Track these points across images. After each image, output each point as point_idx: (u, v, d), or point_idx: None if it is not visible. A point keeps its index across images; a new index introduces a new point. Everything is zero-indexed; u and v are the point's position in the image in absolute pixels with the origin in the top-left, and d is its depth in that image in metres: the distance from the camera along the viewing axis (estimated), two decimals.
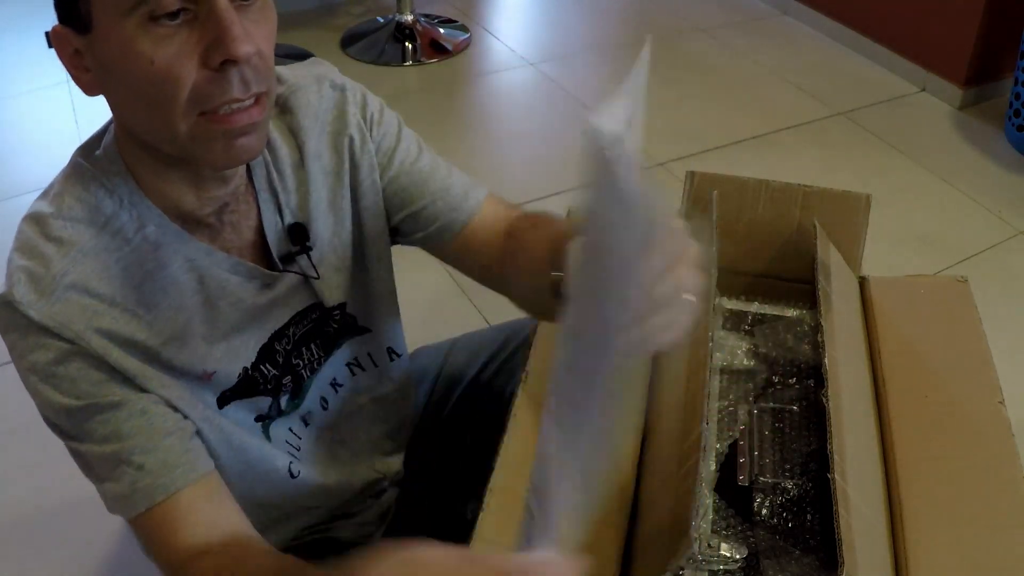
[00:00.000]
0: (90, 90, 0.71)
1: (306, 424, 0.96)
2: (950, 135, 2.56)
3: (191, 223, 0.78)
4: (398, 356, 1.03)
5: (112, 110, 0.74)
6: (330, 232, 0.89)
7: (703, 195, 1.12)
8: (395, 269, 0.99)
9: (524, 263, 0.87)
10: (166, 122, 0.68)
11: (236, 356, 0.84)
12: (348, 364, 0.98)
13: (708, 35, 3.10)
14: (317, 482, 0.96)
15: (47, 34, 0.71)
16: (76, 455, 0.78)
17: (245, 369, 0.85)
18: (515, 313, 1.23)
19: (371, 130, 0.90)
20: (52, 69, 2.78)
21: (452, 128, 2.60)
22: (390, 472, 1.07)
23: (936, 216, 2.23)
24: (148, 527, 0.76)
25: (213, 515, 0.78)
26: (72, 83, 2.45)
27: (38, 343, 0.73)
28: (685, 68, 2.90)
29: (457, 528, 0.98)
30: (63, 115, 2.56)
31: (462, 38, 3.04)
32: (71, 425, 0.75)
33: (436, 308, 1.89)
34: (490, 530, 0.78)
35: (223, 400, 0.85)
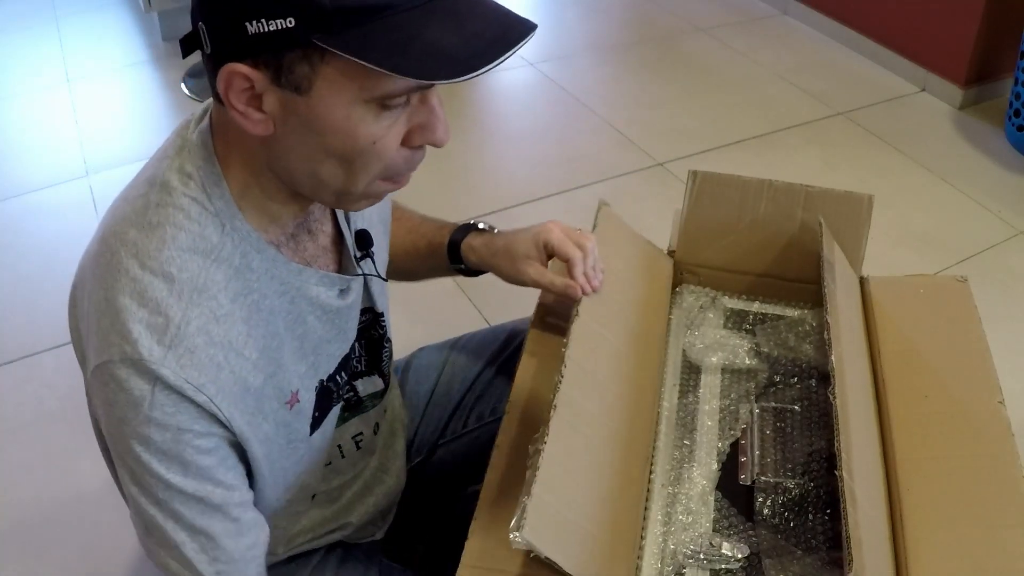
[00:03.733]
0: (255, 128, 0.67)
1: (358, 447, 0.98)
2: (950, 135, 2.56)
3: (278, 238, 0.77)
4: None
5: (266, 146, 0.70)
6: (378, 240, 0.91)
7: (705, 195, 1.12)
8: None
9: (393, 252, 1.03)
10: (350, 182, 0.71)
11: (316, 371, 0.83)
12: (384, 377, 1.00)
13: (708, 35, 3.10)
14: (345, 477, 0.98)
15: (181, 42, 0.69)
16: (142, 512, 0.74)
17: (321, 381, 0.85)
18: (515, 313, 1.23)
19: None
20: (52, 69, 2.78)
21: (452, 128, 2.59)
22: (395, 470, 1.08)
23: (936, 216, 2.23)
24: None
25: None
26: (72, 83, 2.42)
27: (157, 419, 0.68)
28: (685, 68, 2.90)
29: (457, 527, 0.98)
30: (63, 115, 2.56)
31: None
32: (162, 496, 0.72)
33: (436, 308, 1.89)
34: (481, 540, 0.78)
35: (314, 426, 0.85)
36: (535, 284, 0.96)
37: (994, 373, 0.94)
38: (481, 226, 1.03)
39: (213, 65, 0.66)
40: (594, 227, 1.01)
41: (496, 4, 0.68)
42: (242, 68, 0.64)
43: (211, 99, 0.74)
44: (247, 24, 0.62)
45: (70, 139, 2.45)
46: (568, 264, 0.94)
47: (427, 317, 1.86)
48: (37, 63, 2.83)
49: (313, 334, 0.81)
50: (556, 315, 1.01)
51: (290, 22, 0.61)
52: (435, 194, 2.12)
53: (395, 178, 0.73)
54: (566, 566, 0.71)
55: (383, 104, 0.65)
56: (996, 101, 2.68)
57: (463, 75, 0.62)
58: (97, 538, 1.46)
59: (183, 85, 2.66)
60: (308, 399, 0.83)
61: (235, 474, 0.76)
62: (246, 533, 0.78)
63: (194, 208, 0.71)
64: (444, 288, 1.93)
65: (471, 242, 1.00)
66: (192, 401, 0.69)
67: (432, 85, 0.68)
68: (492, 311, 1.87)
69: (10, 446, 1.60)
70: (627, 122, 2.60)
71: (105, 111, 2.58)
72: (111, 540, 1.45)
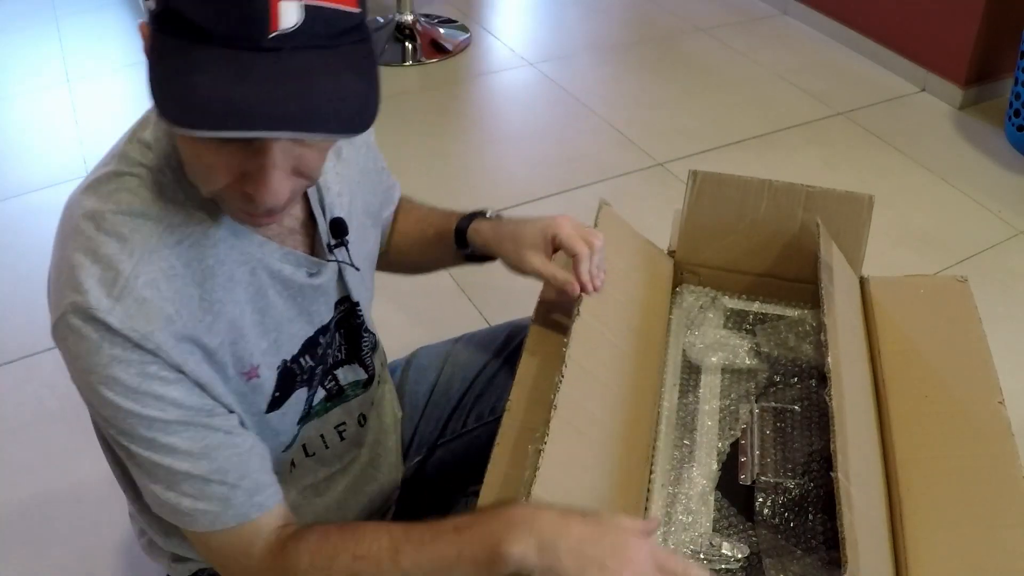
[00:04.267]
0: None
1: (342, 437, 0.99)
2: (950, 135, 2.56)
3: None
4: (385, 355, 1.07)
5: None
6: (359, 232, 0.91)
7: (705, 195, 1.12)
8: None
9: (402, 243, 1.08)
10: (202, 185, 0.71)
11: (279, 349, 0.84)
12: (369, 371, 1.00)
13: (708, 35, 3.10)
14: (332, 469, 0.99)
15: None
16: (140, 460, 0.74)
17: (284, 361, 0.86)
18: (515, 313, 1.23)
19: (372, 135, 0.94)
20: (52, 69, 2.78)
21: (452, 128, 2.60)
22: (387, 467, 1.08)
23: (936, 216, 2.23)
24: (232, 539, 0.77)
25: (295, 523, 0.80)
26: (72, 83, 2.42)
27: (118, 357, 0.70)
28: (685, 68, 2.90)
29: None
30: (63, 115, 2.56)
31: (462, 38, 3.04)
32: (150, 434, 0.73)
33: (436, 308, 1.89)
34: None
35: (272, 406, 0.86)
36: (536, 274, 0.96)
37: (994, 373, 0.94)
38: (488, 214, 1.03)
39: None
40: (595, 227, 1.01)
41: (330, 91, 0.61)
42: (145, 28, 0.65)
43: None
44: None
45: (70, 139, 2.45)
46: (574, 260, 0.93)
47: (427, 317, 1.86)
48: (37, 63, 2.83)
49: (274, 310, 0.82)
50: (558, 311, 1.01)
51: (155, 4, 0.62)
52: (435, 194, 2.11)
53: (252, 213, 0.71)
54: None
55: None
56: (996, 101, 2.68)
57: (191, 129, 0.58)
58: (97, 538, 1.46)
59: None
60: (269, 377, 0.84)
61: (210, 400, 0.76)
62: (246, 440, 0.78)
63: (149, 176, 0.73)
64: (444, 288, 1.93)
65: (478, 227, 1.01)
66: (142, 347, 0.70)
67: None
68: (492, 311, 1.87)
69: (10, 446, 1.60)
70: (627, 122, 2.60)
71: (105, 111, 2.58)
72: (111, 540, 1.45)
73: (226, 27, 0.59)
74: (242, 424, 0.81)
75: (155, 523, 0.92)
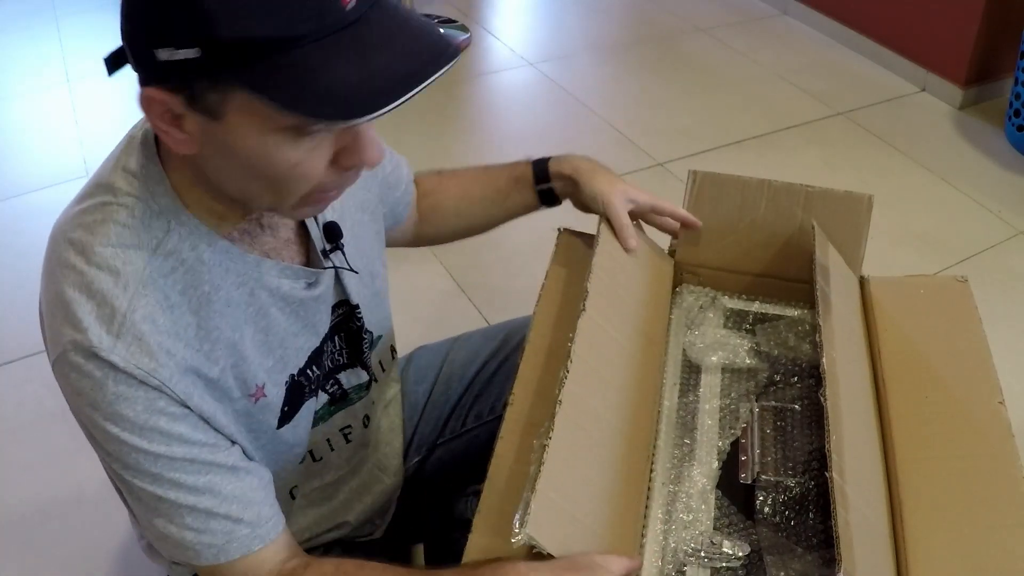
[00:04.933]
0: (179, 147, 0.67)
1: (347, 440, 0.98)
2: (950, 135, 2.56)
3: (231, 233, 0.77)
4: (396, 353, 1.06)
5: (195, 162, 0.70)
6: (353, 231, 0.91)
7: (705, 194, 1.12)
8: (395, 269, 0.99)
9: (439, 218, 1.11)
10: (279, 200, 0.70)
11: (286, 365, 0.84)
12: (370, 372, 1.00)
13: (708, 35, 3.10)
14: (340, 472, 0.99)
15: (106, 60, 0.69)
16: (142, 496, 0.74)
17: (292, 376, 0.85)
18: (515, 313, 1.23)
19: None
20: (52, 69, 2.78)
21: (452, 128, 2.60)
22: (393, 469, 1.08)
23: (936, 216, 2.23)
24: (236, 571, 0.77)
25: (301, 554, 0.81)
26: (72, 83, 2.42)
27: (123, 394, 0.69)
28: (685, 68, 2.90)
29: (456, 526, 0.98)
30: (63, 115, 2.56)
31: (462, 38, 3.04)
32: (155, 470, 0.72)
33: (436, 308, 1.89)
34: (484, 536, 0.78)
35: (282, 421, 0.86)
36: (612, 208, 1.00)
37: (994, 373, 0.94)
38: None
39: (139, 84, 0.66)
40: (597, 229, 1.02)
41: (416, 28, 0.65)
42: (157, 93, 0.64)
43: None
44: (156, 52, 0.61)
45: (70, 139, 2.45)
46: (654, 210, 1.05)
47: (427, 317, 1.86)
48: (37, 63, 2.83)
49: (277, 327, 0.81)
50: (567, 303, 1.01)
51: (195, 52, 0.60)
52: None
53: (326, 194, 0.72)
54: None
55: (300, 131, 0.64)
56: (996, 101, 2.68)
57: (362, 116, 0.60)
58: (97, 538, 1.46)
59: None
60: (276, 394, 0.83)
61: (214, 433, 0.76)
62: (249, 474, 0.78)
63: (138, 207, 0.72)
64: (444, 288, 1.93)
65: (558, 159, 1.05)
66: (147, 384, 0.70)
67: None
68: (492, 311, 1.87)
69: (10, 446, 1.60)
70: (627, 122, 2.60)
71: (105, 111, 2.58)
72: (111, 540, 1.45)
73: (308, 23, 0.59)
74: (245, 455, 0.80)
75: None
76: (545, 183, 1.05)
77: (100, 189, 0.74)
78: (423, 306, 1.88)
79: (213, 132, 0.65)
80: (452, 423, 1.14)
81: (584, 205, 1.05)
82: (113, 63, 0.69)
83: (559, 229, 1.11)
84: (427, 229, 1.12)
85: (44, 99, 2.65)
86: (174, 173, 0.73)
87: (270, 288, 0.79)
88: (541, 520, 0.70)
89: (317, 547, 1.00)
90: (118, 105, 2.61)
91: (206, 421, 0.75)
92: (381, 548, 1.07)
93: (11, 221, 2.16)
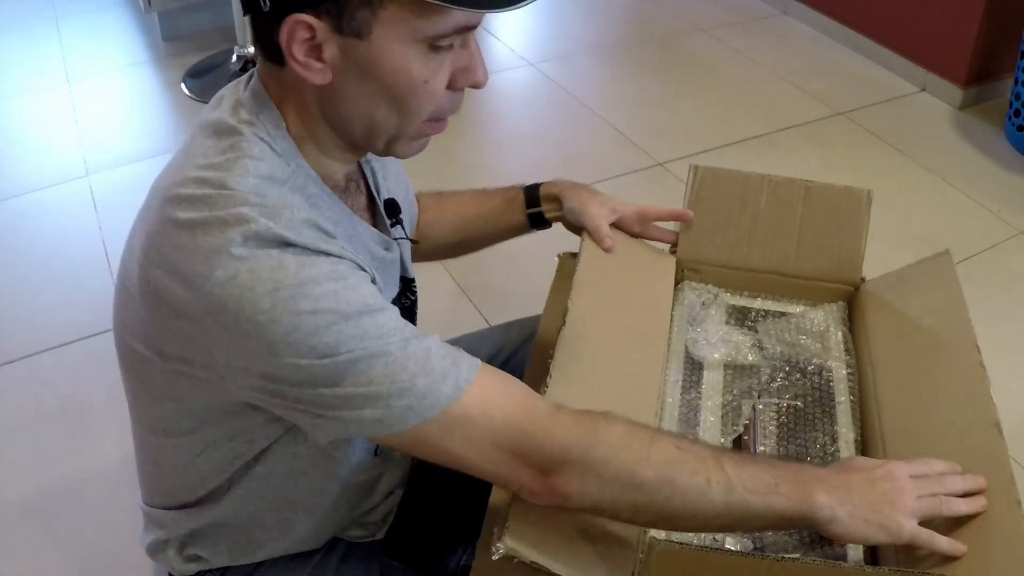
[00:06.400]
0: (314, 77, 0.71)
1: None
2: (950, 135, 2.56)
3: (333, 188, 0.81)
4: None
5: (323, 96, 0.74)
6: (404, 209, 0.96)
7: (706, 189, 1.12)
8: None
9: (435, 232, 1.14)
10: (404, 122, 0.76)
11: None
12: None
13: (708, 35, 3.10)
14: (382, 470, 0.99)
15: (244, 2, 0.72)
16: (352, 374, 0.68)
17: None
18: (515, 313, 1.23)
19: None
20: (52, 69, 2.78)
21: (452, 127, 2.59)
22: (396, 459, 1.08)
23: (936, 216, 2.23)
24: (460, 414, 0.71)
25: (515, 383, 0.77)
26: (72, 83, 2.42)
27: (306, 262, 0.68)
28: (685, 68, 2.90)
29: (456, 526, 0.98)
30: (63, 115, 2.56)
31: None
32: (359, 329, 0.68)
33: (436, 308, 1.89)
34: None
35: None
36: (588, 215, 1.06)
37: (986, 380, 0.89)
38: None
39: (274, 18, 0.69)
40: (580, 244, 1.03)
41: None
42: (306, 18, 0.68)
43: (247, 75, 0.79)
44: None
45: (70, 139, 2.45)
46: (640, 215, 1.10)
47: (427, 317, 1.85)
48: (37, 63, 2.83)
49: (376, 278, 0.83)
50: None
51: None
52: None
53: (440, 119, 0.78)
54: (560, 569, 0.71)
55: (433, 46, 0.71)
56: (996, 101, 2.68)
57: (513, 6, 0.68)
58: (97, 538, 1.46)
59: (183, 85, 2.66)
60: None
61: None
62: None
63: (263, 146, 0.74)
64: (444, 288, 1.92)
65: (548, 184, 1.11)
66: (326, 253, 0.70)
67: (477, 24, 0.73)
68: (492, 311, 1.86)
69: (10, 446, 1.60)
70: (627, 122, 2.60)
71: (105, 111, 2.58)
72: (111, 540, 1.45)
73: None
74: None
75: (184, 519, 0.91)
76: (535, 207, 1.10)
77: (222, 133, 0.74)
78: (423, 306, 1.87)
79: (355, 54, 0.70)
80: None
81: (569, 223, 1.10)
82: (248, 3, 0.72)
83: (559, 255, 1.13)
84: (424, 244, 1.14)
85: (44, 99, 2.65)
86: (289, 121, 0.77)
87: (363, 242, 0.83)
88: (521, 530, 0.70)
89: (318, 547, 1.00)
90: (118, 105, 2.60)
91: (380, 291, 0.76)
92: (383, 549, 1.07)
93: (11, 221, 2.16)
